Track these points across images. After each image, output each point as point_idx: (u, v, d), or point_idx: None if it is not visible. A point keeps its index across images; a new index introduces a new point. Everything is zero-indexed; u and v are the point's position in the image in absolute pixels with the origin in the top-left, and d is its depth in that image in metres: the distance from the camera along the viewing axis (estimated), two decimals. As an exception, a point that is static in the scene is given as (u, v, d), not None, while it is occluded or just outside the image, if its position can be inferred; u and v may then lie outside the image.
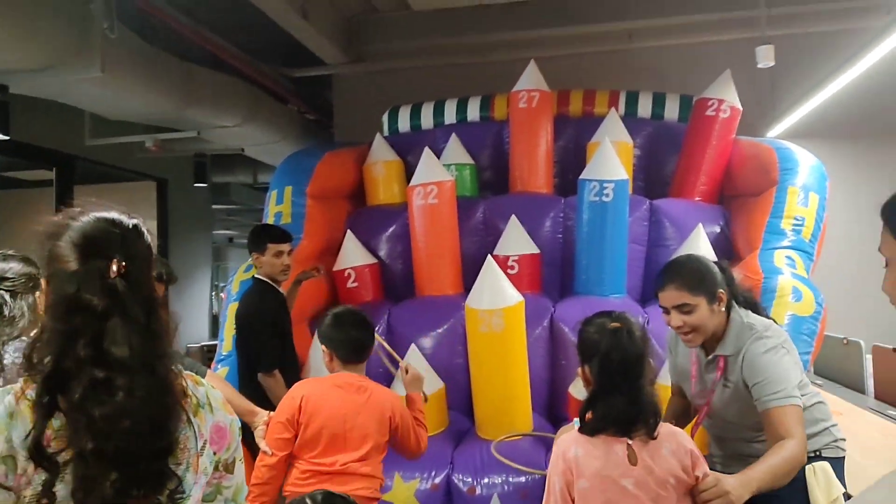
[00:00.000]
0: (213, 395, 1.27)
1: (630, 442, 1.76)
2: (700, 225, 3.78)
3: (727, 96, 4.11)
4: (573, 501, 1.76)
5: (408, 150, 4.78)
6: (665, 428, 1.81)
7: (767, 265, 3.30)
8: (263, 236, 3.39)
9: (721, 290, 2.11)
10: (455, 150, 4.56)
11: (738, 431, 2.17)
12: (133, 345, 1.11)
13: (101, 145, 5.76)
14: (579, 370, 1.94)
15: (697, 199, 4.17)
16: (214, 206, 8.59)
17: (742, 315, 2.15)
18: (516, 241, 3.96)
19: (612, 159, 3.73)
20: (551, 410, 3.71)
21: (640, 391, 1.77)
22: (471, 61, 5.99)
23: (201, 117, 5.15)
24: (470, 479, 3.28)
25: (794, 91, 4.77)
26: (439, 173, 4.02)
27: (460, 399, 3.76)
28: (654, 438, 1.76)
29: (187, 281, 7.72)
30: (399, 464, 3.38)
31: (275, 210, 4.09)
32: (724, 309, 2.13)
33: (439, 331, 3.85)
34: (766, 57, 3.86)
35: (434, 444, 3.47)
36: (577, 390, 3.36)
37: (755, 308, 2.22)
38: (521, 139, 4.42)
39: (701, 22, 5.50)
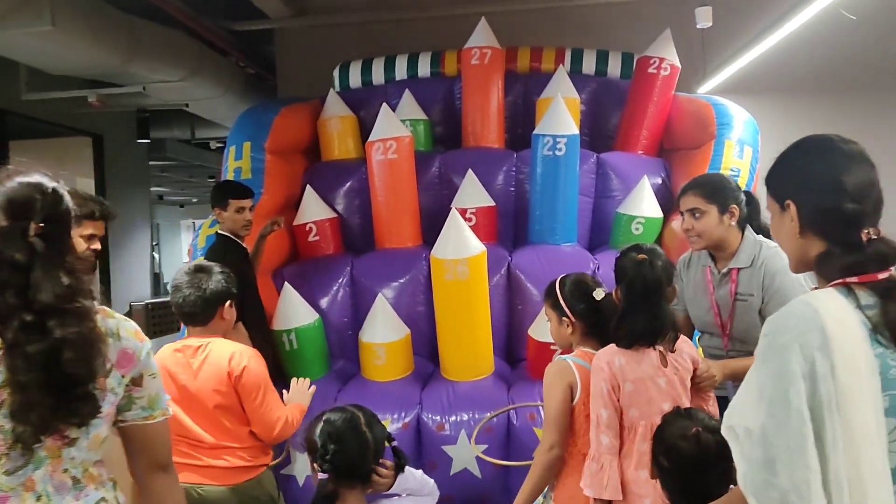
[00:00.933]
0: (123, 325, 1.47)
1: (661, 349, 2.14)
2: (645, 177, 4.06)
3: (667, 55, 4.36)
4: (618, 401, 2.10)
5: (360, 105, 4.87)
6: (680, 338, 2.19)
7: (709, 213, 3.58)
8: (226, 192, 3.46)
9: (734, 206, 2.44)
10: (409, 106, 4.68)
11: (744, 346, 2.46)
12: (56, 292, 1.31)
13: (37, 100, 5.59)
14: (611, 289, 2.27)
15: (640, 152, 4.44)
16: (150, 163, 8.42)
17: (755, 236, 2.47)
18: (473, 194, 4.14)
19: (564, 115, 3.93)
20: (509, 352, 3.95)
21: (660, 310, 2.14)
22: (417, 16, 6.02)
23: (146, 72, 5.07)
24: (438, 418, 3.50)
25: (726, 49, 5.05)
26: (398, 129, 4.13)
27: (423, 345, 3.97)
28: (674, 351, 2.15)
29: (126, 239, 7.61)
30: (369, 404, 3.57)
31: (234, 165, 4.13)
32: (735, 224, 2.45)
33: (402, 281, 4.02)
34: (704, 18, 4.11)
35: (402, 386, 3.70)
36: (536, 332, 3.61)
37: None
38: (474, 95, 4.57)
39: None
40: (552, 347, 3.52)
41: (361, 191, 4.44)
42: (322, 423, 1.93)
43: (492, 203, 4.13)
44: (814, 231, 1.37)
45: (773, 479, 1.19)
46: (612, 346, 2.17)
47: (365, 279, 4.05)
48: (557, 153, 3.90)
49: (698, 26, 4.20)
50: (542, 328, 3.57)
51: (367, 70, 5.05)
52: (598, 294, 2.27)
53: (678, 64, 4.40)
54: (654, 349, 2.14)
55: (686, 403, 2.13)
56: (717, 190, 2.47)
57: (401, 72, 5.02)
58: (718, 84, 5.35)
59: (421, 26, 5.97)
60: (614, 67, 4.87)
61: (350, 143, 4.71)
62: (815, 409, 1.18)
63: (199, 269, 2.49)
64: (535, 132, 3.99)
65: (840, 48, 5.37)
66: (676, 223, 3.85)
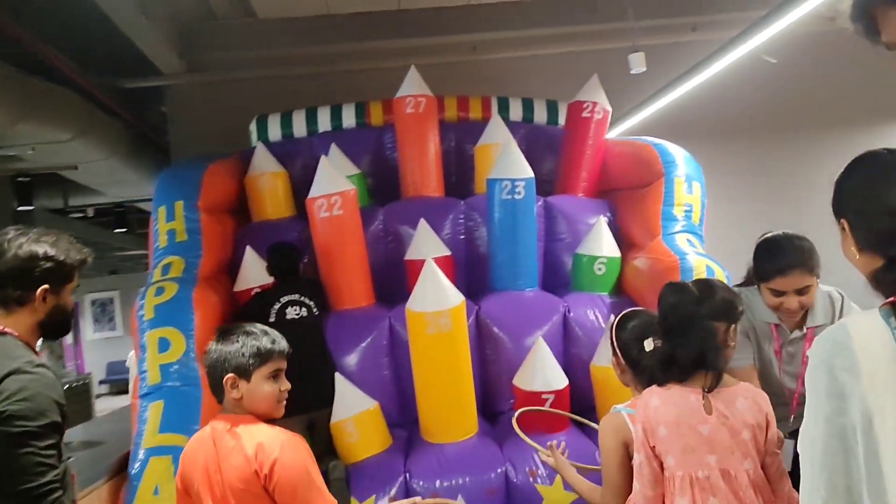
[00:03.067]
0: None
1: (704, 392, 1.89)
2: (602, 217, 4.08)
3: (599, 99, 4.46)
4: (653, 449, 1.88)
5: (282, 160, 4.58)
6: (743, 386, 1.95)
7: (675, 248, 3.64)
8: None
9: (819, 266, 2.25)
10: (339, 160, 4.45)
11: None
12: None
13: None
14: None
15: (580, 194, 4.47)
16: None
17: (821, 286, 2.32)
18: (428, 244, 3.96)
19: (519, 158, 3.88)
20: (485, 406, 3.76)
21: (689, 340, 1.89)
22: (318, 71, 5.87)
23: (33, 132, 4.51)
24: (430, 484, 3.24)
25: (629, 97, 5.26)
26: (341, 182, 3.90)
27: (393, 413, 3.70)
28: (716, 386, 1.90)
29: None
30: (352, 484, 3.26)
31: (167, 227, 3.72)
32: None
33: (363, 345, 3.75)
34: (638, 63, 4.25)
35: (382, 460, 3.40)
36: (522, 380, 3.46)
37: None
38: (411, 145, 4.43)
39: (537, 35, 5.90)
40: (543, 396, 3.40)
41: (302, 251, 4.13)
42: None
43: (448, 252, 3.98)
44: (869, 248, 1.37)
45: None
46: (651, 387, 1.98)
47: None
48: (516, 196, 3.83)
49: (632, 72, 4.35)
50: (529, 376, 3.44)
51: (287, 123, 4.78)
52: (648, 344, 2.11)
53: (609, 108, 4.51)
54: (695, 392, 1.90)
55: (741, 461, 1.86)
56: (816, 260, 2.27)
57: (324, 123, 4.79)
58: (625, 130, 5.56)
59: (324, 81, 5.81)
60: (540, 114, 4.93)
61: (282, 201, 4.40)
62: (845, 427, 1.16)
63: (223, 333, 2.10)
64: (490, 177, 3.91)
65: (753, 93, 5.79)
66: (638, 261, 3.89)
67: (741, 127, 5.95)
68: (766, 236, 2.40)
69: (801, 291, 2.26)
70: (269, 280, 3.90)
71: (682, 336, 1.90)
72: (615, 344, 2.17)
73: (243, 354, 2.01)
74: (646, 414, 1.91)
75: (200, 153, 4.88)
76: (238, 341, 2.03)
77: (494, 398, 3.75)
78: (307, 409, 3.49)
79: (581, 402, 3.59)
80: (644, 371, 2.07)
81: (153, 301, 3.29)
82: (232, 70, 5.77)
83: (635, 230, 4.05)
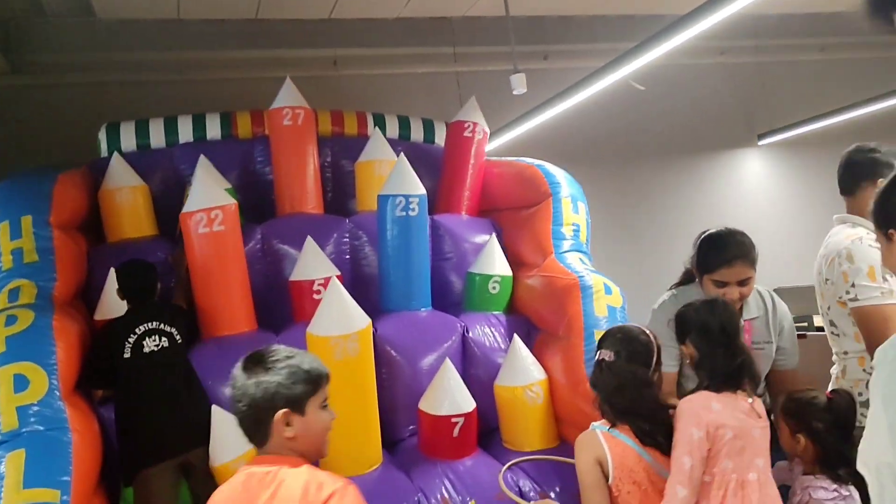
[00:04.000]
0: None
1: (750, 400, 2.04)
2: (493, 236, 4.04)
3: (479, 120, 4.46)
4: (708, 451, 1.94)
5: (138, 172, 4.10)
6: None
7: (570, 266, 3.67)
8: None
9: (757, 261, 2.41)
10: (209, 173, 4.05)
11: None
12: None
13: None
14: (681, 349, 2.20)
15: (463, 214, 4.42)
16: None
17: None
18: (316, 264, 3.70)
19: (411, 175, 3.76)
20: (383, 434, 3.53)
21: (738, 349, 2.08)
22: (169, 79, 5.41)
23: None
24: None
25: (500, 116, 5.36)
26: (221, 196, 3.56)
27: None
28: (760, 395, 2.10)
29: None
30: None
31: (11, 246, 3.15)
32: None
33: (248, 373, 3.39)
34: (519, 84, 4.30)
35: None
36: (429, 405, 3.30)
37: None
38: (288, 159, 4.15)
39: (399, 54, 5.86)
40: (453, 420, 3.27)
41: (167, 274, 3.70)
42: None
43: (337, 272, 3.73)
44: None
45: None
46: (703, 392, 2.04)
47: (203, 377, 3.32)
48: (410, 213, 3.70)
49: (514, 92, 4.38)
50: (436, 400, 3.29)
51: (143, 132, 4.30)
52: (599, 355, 2.15)
53: (488, 129, 4.53)
54: (742, 398, 2.05)
55: (769, 461, 2.04)
56: (755, 251, 2.42)
57: (185, 134, 4.37)
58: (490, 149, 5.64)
59: (173, 90, 5.37)
60: (417, 132, 4.85)
61: (143, 218, 3.94)
62: None
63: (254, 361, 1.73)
64: (381, 193, 3.74)
65: (620, 117, 6.12)
66: (532, 280, 3.89)
67: (611, 152, 6.31)
68: (708, 232, 2.54)
69: (742, 283, 2.38)
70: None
71: (724, 349, 2.05)
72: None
73: (294, 383, 1.69)
74: (709, 418, 1.95)
75: (29, 163, 4.27)
76: (284, 368, 1.70)
77: (393, 425, 3.54)
78: (179, 451, 3.10)
79: (484, 423, 3.50)
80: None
81: (4, 332, 2.74)
82: (67, 73, 5.13)
83: (524, 249, 4.06)
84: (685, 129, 6.63)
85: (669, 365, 2.41)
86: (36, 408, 2.64)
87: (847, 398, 2.20)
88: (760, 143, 6.86)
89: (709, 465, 1.95)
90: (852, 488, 2.06)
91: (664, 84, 5.68)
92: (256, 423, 1.69)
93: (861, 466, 1.28)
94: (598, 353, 2.15)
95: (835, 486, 2.07)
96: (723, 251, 2.40)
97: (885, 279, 2.34)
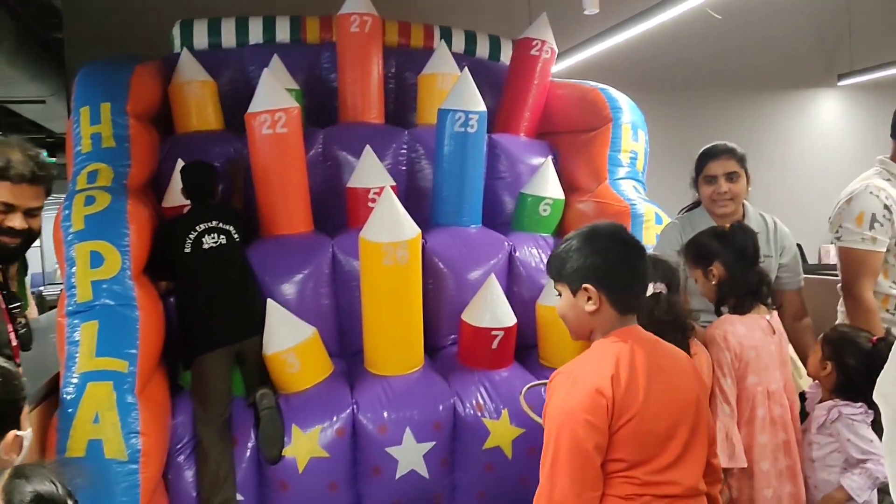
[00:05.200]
0: None
1: (768, 318, 2.29)
2: (549, 158, 4.06)
3: (547, 37, 4.39)
4: (736, 371, 2.20)
5: (208, 70, 4.20)
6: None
7: (623, 194, 3.69)
8: None
9: (750, 174, 2.67)
10: (279, 73, 4.14)
11: None
12: None
13: None
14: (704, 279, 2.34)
15: (522, 135, 4.43)
16: None
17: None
18: (373, 173, 3.80)
19: (474, 90, 3.77)
20: (426, 340, 3.69)
21: (761, 268, 2.35)
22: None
23: None
24: (378, 417, 3.18)
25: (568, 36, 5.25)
26: (285, 99, 3.63)
27: (330, 343, 3.57)
28: (776, 308, 2.34)
29: None
30: (294, 414, 3.16)
31: (90, 131, 3.32)
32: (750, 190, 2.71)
33: (303, 273, 3.57)
34: (592, 5, 4.21)
35: (325, 389, 3.30)
36: (471, 316, 3.43)
37: None
38: (353, 67, 4.19)
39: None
40: (493, 333, 3.39)
41: (227, 178, 3.86)
42: None
43: (392, 182, 3.82)
44: None
45: None
46: (727, 316, 2.26)
47: (260, 272, 3.51)
48: (469, 130, 3.73)
49: (586, 12, 4.29)
50: (478, 313, 3.42)
51: (215, 31, 4.38)
52: (648, 290, 2.18)
53: (556, 48, 4.47)
54: (761, 316, 2.26)
55: (788, 368, 2.32)
56: (744, 157, 2.69)
57: (256, 35, 4.44)
58: (562, 69, 5.56)
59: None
60: (483, 48, 4.81)
61: (210, 113, 4.07)
62: None
63: None
64: (442, 107, 3.77)
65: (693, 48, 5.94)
66: (584, 205, 3.93)
67: (677, 81, 6.14)
68: None
69: (729, 177, 2.62)
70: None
71: (753, 269, 2.29)
72: None
73: None
74: (735, 340, 2.19)
75: (101, 55, 4.41)
76: None
77: (436, 333, 3.70)
78: (234, 340, 3.30)
79: (522, 341, 3.63)
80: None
81: (82, 211, 2.94)
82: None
83: (579, 174, 4.08)
84: (759, 65, 6.38)
85: None
86: (108, 284, 2.85)
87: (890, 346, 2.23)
88: (840, 83, 6.57)
89: (738, 380, 2.21)
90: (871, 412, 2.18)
91: (742, 15, 5.46)
92: None
93: (878, 396, 1.32)
94: (652, 284, 2.18)
95: (859, 404, 2.16)
96: (711, 149, 2.72)
97: (871, 227, 2.59)
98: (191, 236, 3.35)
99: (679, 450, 1.61)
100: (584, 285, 1.66)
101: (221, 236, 3.41)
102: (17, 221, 1.87)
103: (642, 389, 1.59)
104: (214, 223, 3.42)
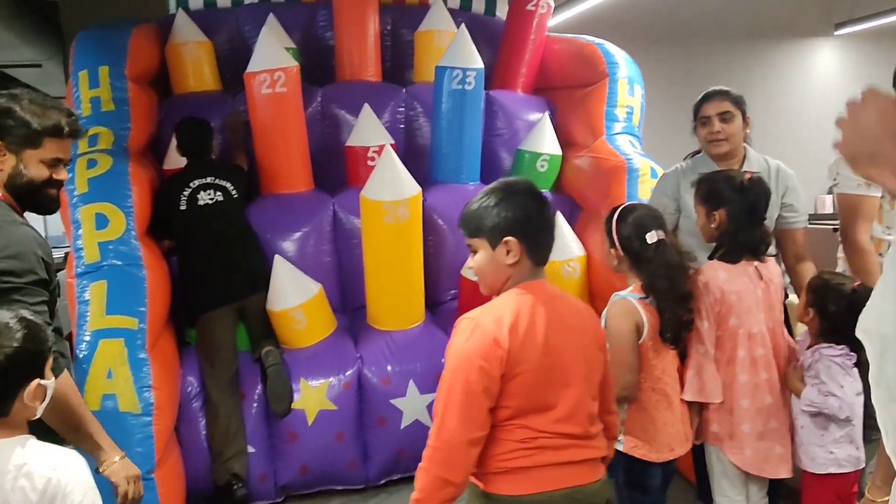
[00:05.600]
0: None
1: (756, 264, 2.34)
2: (546, 114, 4.09)
3: (543, -8, 4.38)
4: (718, 312, 2.28)
5: (204, 30, 4.20)
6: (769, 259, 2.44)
7: (619, 149, 3.72)
8: None
9: (748, 116, 2.71)
10: (275, 32, 4.14)
11: None
12: None
13: None
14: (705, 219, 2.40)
15: (519, 90, 4.45)
16: None
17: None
18: (372, 131, 3.83)
19: (470, 47, 3.78)
20: (426, 296, 3.77)
21: (764, 225, 2.39)
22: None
23: None
24: (382, 370, 3.27)
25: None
26: (284, 58, 3.64)
27: (333, 299, 3.65)
28: (764, 262, 2.36)
29: None
30: (302, 368, 3.24)
31: (90, 94, 3.35)
32: (748, 132, 2.75)
33: (304, 230, 3.64)
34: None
35: (331, 344, 3.39)
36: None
37: None
38: (350, 24, 4.18)
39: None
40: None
41: (224, 131, 3.88)
42: None
43: (391, 140, 3.85)
44: None
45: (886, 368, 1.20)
46: (714, 262, 2.32)
47: (260, 231, 3.57)
48: (467, 87, 3.75)
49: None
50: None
51: (210, -10, 4.37)
52: (651, 237, 2.24)
53: (552, 2, 4.45)
54: (750, 264, 2.32)
55: (778, 313, 2.38)
56: (740, 98, 2.73)
57: (251, -6, 4.43)
58: (559, 23, 5.53)
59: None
60: (479, 4, 4.80)
61: (207, 73, 4.08)
62: None
63: None
64: (440, 65, 3.78)
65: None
66: (581, 160, 3.96)
67: (673, 33, 6.09)
68: None
69: (722, 117, 2.69)
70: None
71: (757, 225, 2.33)
72: (616, 236, 2.24)
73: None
74: (716, 285, 2.27)
75: (96, 18, 4.39)
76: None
77: (436, 289, 3.78)
78: (236, 297, 3.36)
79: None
80: (645, 261, 2.22)
81: (86, 174, 3.00)
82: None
83: (576, 129, 4.10)
84: (755, 15, 6.32)
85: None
86: (115, 245, 2.92)
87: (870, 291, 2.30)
88: (837, 32, 6.51)
89: (719, 323, 2.28)
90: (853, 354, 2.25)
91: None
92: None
93: (860, 332, 1.36)
94: (652, 232, 2.24)
95: (840, 348, 2.23)
96: (706, 93, 2.79)
97: None
98: (185, 193, 3.35)
99: (572, 401, 1.69)
100: (506, 238, 1.70)
101: (218, 192, 3.41)
102: (63, 173, 1.98)
103: (540, 342, 1.66)
104: (210, 179, 3.42)
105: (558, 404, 1.68)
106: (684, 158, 3.00)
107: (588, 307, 1.87)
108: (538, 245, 1.74)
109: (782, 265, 2.76)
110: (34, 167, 1.90)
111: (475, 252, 1.77)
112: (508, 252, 1.70)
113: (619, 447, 2.21)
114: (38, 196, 1.93)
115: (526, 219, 1.71)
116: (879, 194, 2.72)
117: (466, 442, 1.60)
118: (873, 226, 2.78)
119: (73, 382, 1.89)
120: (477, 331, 1.64)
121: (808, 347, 2.33)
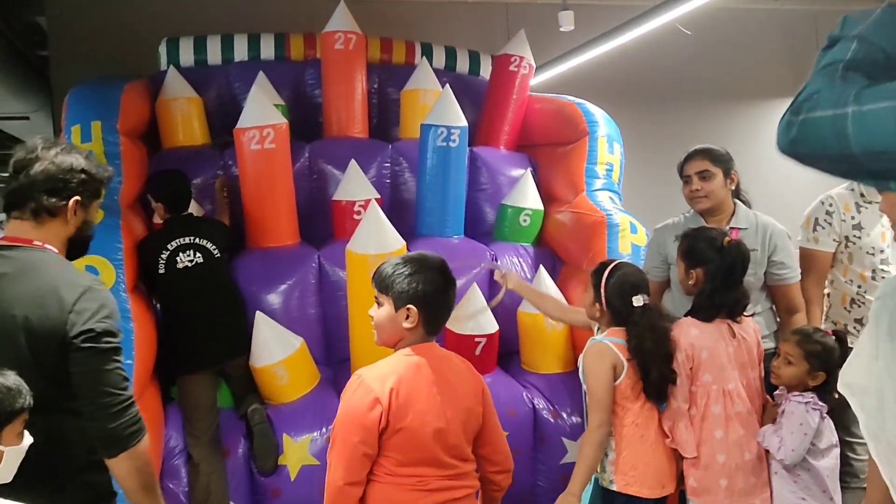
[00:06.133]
0: None
1: (730, 322, 2.40)
2: (528, 170, 4.20)
3: (525, 53, 4.54)
4: (690, 369, 2.35)
5: (195, 87, 4.30)
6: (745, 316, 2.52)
7: (599, 204, 3.83)
8: None
9: (733, 172, 2.81)
10: (264, 89, 4.24)
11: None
12: None
13: None
14: (683, 275, 2.49)
15: (502, 147, 4.57)
16: None
17: (746, 207, 2.87)
18: (358, 186, 3.91)
19: (455, 106, 3.90)
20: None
21: (743, 287, 2.44)
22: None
23: None
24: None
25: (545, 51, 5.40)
26: (273, 115, 3.73)
27: (316, 351, 3.67)
28: (739, 322, 2.42)
29: None
30: (284, 423, 3.24)
31: (83, 148, 3.39)
32: (733, 188, 2.83)
33: (290, 283, 3.67)
34: (567, 22, 4.36)
35: (314, 398, 3.40)
36: (454, 325, 3.53)
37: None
38: (338, 82, 4.30)
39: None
40: (476, 340, 3.50)
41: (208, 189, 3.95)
42: None
43: (376, 195, 3.94)
44: None
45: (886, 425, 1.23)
46: (688, 319, 2.39)
47: (246, 284, 3.60)
48: (451, 144, 3.86)
49: (561, 29, 4.45)
50: (461, 321, 3.53)
51: (201, 48, 4.48)
52: (637, 301, 2.34)
53: (534, 63, 4.61)
54: (723, 321, 2.38)
55: (754, 371, 2.41)
56: (721, 156, 2.86)
57: (241, 52, 4.54)
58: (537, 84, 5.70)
59: (236, 6, 5.49)
60: (463, 64, 4.95)
61: (196, 128, 4.16)
62: None
63: None
64: (425, 122, 3.90)
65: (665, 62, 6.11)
66: (562, 215, 4.06)
67: (651, 92, 6.30)
68: None
69: (701, 175, 2.83)
70: (199, 213, 3.73)
71: (735, 288, 2.39)
72: (603, 291, 2.33)
73: None
74: (687, 342, 2.34)
75: (85, 73, 4.48)
76: None
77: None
78: (217, 363, 3.34)
79: (504, 347, 3.74)
80: (632, 324, 2.35)
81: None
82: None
83: (558, 185, 4.21)
84: (730, 79, 6.57)
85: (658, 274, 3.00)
86: (104, 298, 2.93)
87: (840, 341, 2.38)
88: (807, 94, 6.77)
89: (693, 379, 2.35)
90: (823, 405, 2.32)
91: (712, 30, 5.64)
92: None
93: (842, 387, 1.36)
94: (639, 296, 2.34)
95: (810, 395, 2.29)
96: (688, 152, 2.95)
97: (815, 229, 3.01)
98: (163, 256, 3.27)
99: (452, 451, 1.90)
100: (409, 306, 1.90)
101: (198, 254, 3.32)
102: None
103: (424, 402, 1.85)
104: (190, 239, 3.33)
105: (436, 457, 1.88)
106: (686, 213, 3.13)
107: (469, 366, 2.12)
108: (435, 318, 1.96)
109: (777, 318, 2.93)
110: (94, 215, 2.01)
111: (380, 305, 1.97)
112: (408, 317, 1.91)
113: (613, 487, 2.28)
114: (89, 241, 2.03)
115: (432, 295, 1.91)
116: (828, 249, 3.04)
117: (346, 484, 1.82)
118: (838, 277, 3.10)
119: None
120: (360, 388, 1.85)
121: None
